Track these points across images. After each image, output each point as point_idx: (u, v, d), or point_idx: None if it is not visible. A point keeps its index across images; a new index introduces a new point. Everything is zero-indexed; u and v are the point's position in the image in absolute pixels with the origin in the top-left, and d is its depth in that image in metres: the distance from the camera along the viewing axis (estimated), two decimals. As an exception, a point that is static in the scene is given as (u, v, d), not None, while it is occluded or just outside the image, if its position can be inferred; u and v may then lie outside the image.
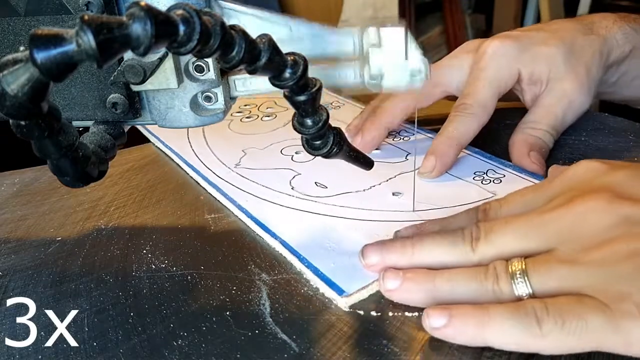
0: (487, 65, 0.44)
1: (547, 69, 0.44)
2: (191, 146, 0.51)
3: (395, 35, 0.32)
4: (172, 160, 0.49)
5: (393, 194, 0.40)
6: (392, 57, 0.32)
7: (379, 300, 0.30)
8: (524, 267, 0.27)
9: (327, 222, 0.38)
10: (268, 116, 0.57)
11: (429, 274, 0.29)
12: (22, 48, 0.32)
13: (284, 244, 0.35)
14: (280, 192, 0.42)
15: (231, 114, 0.58)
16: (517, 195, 0.32)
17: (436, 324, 0.27)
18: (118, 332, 0.29)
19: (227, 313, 0.30)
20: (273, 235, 0.36)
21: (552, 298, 0.26)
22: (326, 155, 0.31)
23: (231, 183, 0.44)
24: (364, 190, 0.41)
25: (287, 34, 0.32)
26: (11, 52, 0.20)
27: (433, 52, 2.00)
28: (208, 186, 0.44)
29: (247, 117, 0.57)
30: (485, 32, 2.10)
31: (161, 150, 0.51)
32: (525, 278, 0.27)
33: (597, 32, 0.46)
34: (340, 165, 0.33)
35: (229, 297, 0.31)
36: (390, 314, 0.29)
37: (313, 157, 0.33)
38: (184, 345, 0.28)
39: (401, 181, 0.42)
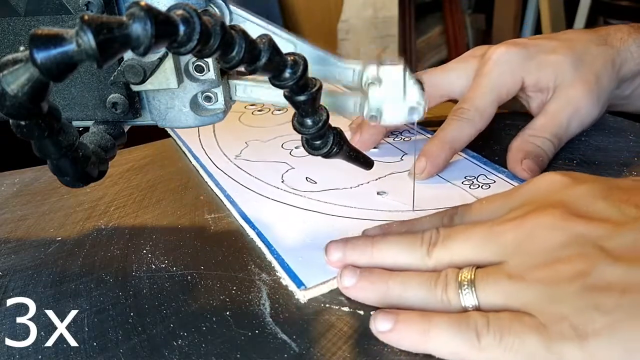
0: (490, 71, 0.44)
1: (554, 76, 0.43)
2: (199, 136, 0.51)
3: (395, 73, 0.32)
4: (178, 153, 0.49)
5: (378, 193, 0.40)
6: (391, 94, 0.33)
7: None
8: (472, 277, 0.27)
9: (307, 216, 0.38)
10: (279, 110, 0.57)
11: (384, 275, 0.29)
12: (22, 48, 0.32)
13: (260, 234, 0.36)
14: (270, 184, 0.42)
15: (244, 107, 0.58)
16: (485, 201, 0.32)
17: (381, 327, 0.27)
18: (118, 332, 0.29)
19: (227, 313, 0.30)
20: (252, 225, 0.37)
21: (495, 313, 0.25)
22: (326, 155, 0.31)
23: (226, 173, 0.44)
24: (350, 187, 0.41)
25: (292, 50, 0.32)
26: (11, 52, 0.20)
27: (433, 52, 2.00)
28: (205, 175, 0.44)
29: (259, 110, 0.57)
30: (485, 32, 2.10)
31: (173, 139, 0.52)
32: (472, 289, 0.27)
33: (611, 44, 0.45)
34: (335, 162, 0.34)
35: (229, 297, 0.31)
36: (390, 314, 0.29)
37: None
38: (184, 345, 0.28)
39: (390, 181, 0.42)
